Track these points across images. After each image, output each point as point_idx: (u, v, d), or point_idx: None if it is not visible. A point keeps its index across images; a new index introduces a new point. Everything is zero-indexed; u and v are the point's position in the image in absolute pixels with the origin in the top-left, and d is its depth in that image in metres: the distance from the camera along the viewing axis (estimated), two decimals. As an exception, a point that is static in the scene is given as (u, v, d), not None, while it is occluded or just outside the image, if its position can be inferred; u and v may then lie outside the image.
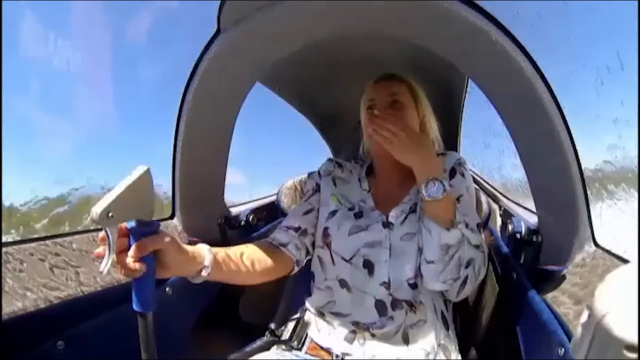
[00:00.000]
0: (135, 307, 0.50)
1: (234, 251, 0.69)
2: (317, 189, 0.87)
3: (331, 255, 0.77)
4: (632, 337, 0.16)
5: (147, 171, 0.49)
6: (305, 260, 0.82)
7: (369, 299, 0.72)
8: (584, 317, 0.20)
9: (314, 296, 0.81)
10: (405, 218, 0.76)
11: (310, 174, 0.93)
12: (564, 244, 0.73)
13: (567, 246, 0.72)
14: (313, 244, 0.84)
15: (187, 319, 0.89)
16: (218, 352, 0.91)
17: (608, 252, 0.67)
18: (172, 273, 0.57)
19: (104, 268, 0.47)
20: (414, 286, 0.71)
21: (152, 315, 0.52)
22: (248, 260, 0.70)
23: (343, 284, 0.76)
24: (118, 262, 0.49)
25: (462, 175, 0.81)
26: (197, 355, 0.88)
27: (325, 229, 0.80)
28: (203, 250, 0.61)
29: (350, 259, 0.75)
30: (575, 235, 0.71)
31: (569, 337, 0.53)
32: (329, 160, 0.92)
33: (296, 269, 0.80)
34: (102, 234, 0.47)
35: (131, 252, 0.49)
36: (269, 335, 0.92)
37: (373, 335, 0.71)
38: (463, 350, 0.77)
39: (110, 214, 0.44)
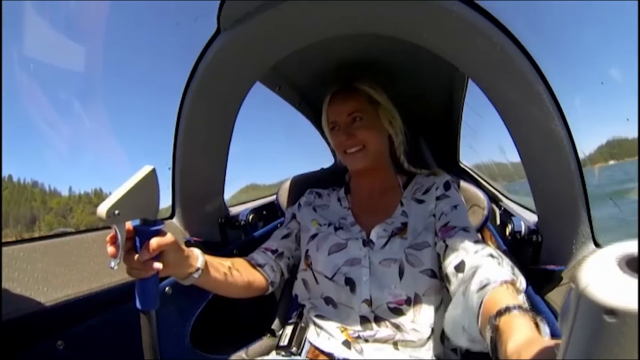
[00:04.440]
0: (138, 305, 0.51)
1: (221, 261, 0.71)
2: (294, 217, 0.91)
3: (314, 275, 0.78)
4: (611, 302, 0.18)
5: (153, 171, 0.49)
6: (279, 282, 0.84)
7: (353, 313, 0.72)
8: (570, 292, 0.22)
9: (303, 309, 0.81)
10: (387, 241, 0.75)
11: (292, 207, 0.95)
12: (564, 244, 0.73)
13: (567, 246, 0.72)
14: (288, 267, 0.86)
15: (187, 319, 0.88)
16: (217, 352, 0.91)
17: None
18: (170, 271, 0.58)
19: (115, 265, 0.48)
20: (395, 311, 0.70)
21: (155, 313, 0.52)
22: (232, 271, 0.73)
23: (328, 300, 0.76)
24: (126, 262, 0.50)
25: (456, 189, 0.83)
26: (196, 355, 0.88)
27: (306, 251, 0.82)
28: (196, 252, 0.64)
29: (332, 276, 0.75)
30: (575, 235, 0.71)
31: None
32: (309, 192, 0.95)
33: (270, 289, 0.82)
34: (111, 233, 0.48)
35: (141, 255, 0.50)
36: (268, 336, 0.92)
37: (367, 341, 0.71)
38: (463, 350, 0.77)
39: (116, 212, 0.45)
